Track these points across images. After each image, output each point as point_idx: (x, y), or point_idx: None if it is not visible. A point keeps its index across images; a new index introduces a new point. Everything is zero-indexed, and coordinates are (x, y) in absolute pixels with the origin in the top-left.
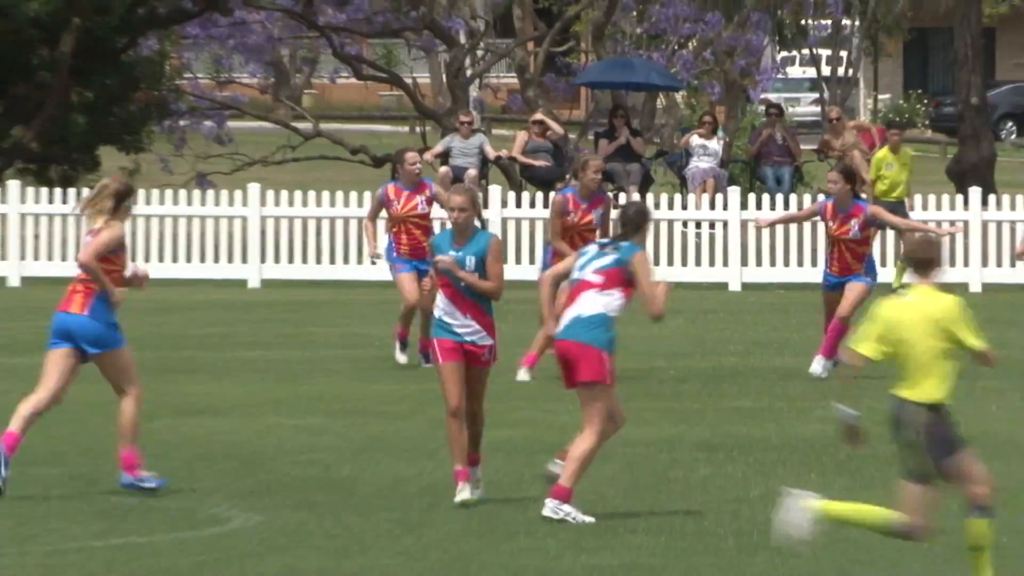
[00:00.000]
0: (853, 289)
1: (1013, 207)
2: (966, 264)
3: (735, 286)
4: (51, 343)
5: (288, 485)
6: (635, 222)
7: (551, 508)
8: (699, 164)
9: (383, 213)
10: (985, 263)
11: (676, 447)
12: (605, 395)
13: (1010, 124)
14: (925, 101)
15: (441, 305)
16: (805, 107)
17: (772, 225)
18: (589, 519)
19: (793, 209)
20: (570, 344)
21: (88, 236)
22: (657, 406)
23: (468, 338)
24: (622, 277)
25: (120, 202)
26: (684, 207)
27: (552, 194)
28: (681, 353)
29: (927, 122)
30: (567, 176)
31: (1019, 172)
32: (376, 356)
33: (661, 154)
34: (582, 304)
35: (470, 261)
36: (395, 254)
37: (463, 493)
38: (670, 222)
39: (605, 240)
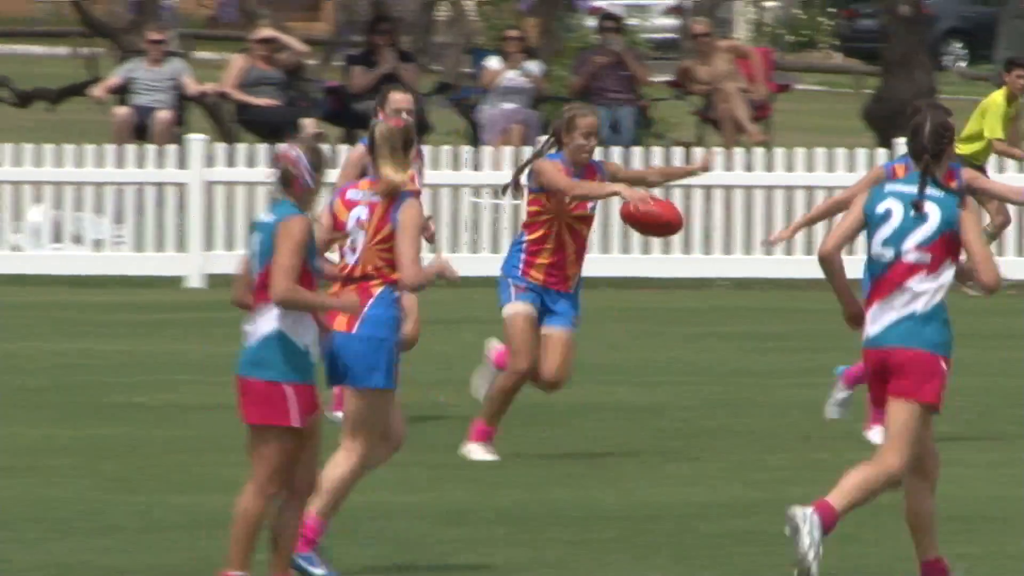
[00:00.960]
0: None
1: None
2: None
3: None
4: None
5: None
6: (936, 145)
7: None
8: (500, 103)
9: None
10: None
11: (468, 519)
12: (930, 414)
13: (958, 45)
14: (832, 11)
15: (312, 329)
16: (657, 20)
17: (800, 229)
18: None
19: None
20: (904, 352)
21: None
22: (441, 461)
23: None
24: (952, 243)
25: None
26: (476, 167)
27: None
28: None
29: (836, 43)
30: (547, 138)
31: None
32: (40, 386)
33: (444, 88)
34: (909, 296)
35: None
36: None
37: None
38: (455, 188)
39: (910, 190)
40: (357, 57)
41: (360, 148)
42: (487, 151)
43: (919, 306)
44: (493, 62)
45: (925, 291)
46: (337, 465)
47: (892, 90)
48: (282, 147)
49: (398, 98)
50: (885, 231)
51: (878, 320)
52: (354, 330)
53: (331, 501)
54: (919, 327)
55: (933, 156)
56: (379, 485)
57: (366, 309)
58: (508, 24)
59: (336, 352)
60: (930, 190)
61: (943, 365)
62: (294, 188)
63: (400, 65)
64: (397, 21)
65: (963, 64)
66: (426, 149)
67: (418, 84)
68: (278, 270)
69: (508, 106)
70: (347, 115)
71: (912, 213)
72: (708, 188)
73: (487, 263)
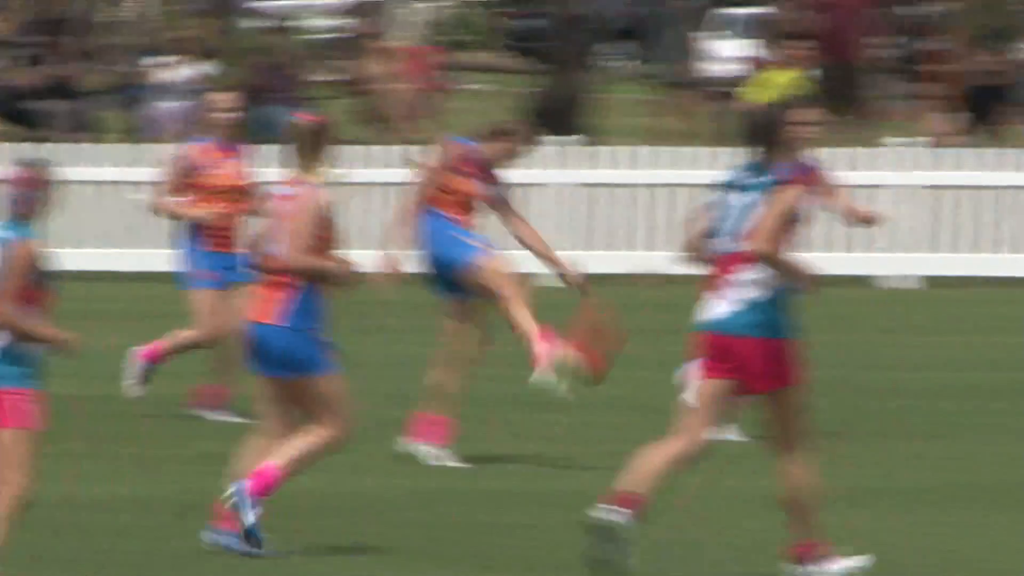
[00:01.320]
0: None
1: (619, 165)
2: (573, 247)
3: None
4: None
5: None
6: (765, 131)
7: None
8: (169, 102)
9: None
10: (588, 245)
11: (150, 510)
12: (800, 396)
13: (623, 45)
14: (496, 10)
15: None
16: (322, 20)
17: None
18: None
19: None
20: (739, 341)
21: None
22: (131, 453)
23: None
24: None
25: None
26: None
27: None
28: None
29: (500, 42)
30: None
31: (637, 113)
32: None
33: (115, 88)
34: (740, 285)
35: None
36: (202, 249)
37: None
38: (117, 185)
39: (740, 178)
40: (26, 56)
41: (189, 148)
42: (152, 150)
43: (749, 294)
44: (164, 62)
45: (752, 280)
46: (303, 436)
47: (554, 89)
48: (16, 170)
49: (220, 98)
50: (719, 221)
51: (714, 306)
52: (283, 323)
53: (289, 465)
54: (754, 315)
55: (765, 139)
56: (86, 476)
57: (287, 301)
58: (180, 24)
59: (265, 343)
60: (753, 178)
61: (780, 346)
62: (23, 208)
63: (71, 64)
64: (68, 20)
65: (627, 63)
66: (98, 148)
67: (88, 83)
68: (2, 294)
69: (175, 105)
70: (13, 114)
71: (729, 200)
72: (385, 185)
73: (157, 259)
